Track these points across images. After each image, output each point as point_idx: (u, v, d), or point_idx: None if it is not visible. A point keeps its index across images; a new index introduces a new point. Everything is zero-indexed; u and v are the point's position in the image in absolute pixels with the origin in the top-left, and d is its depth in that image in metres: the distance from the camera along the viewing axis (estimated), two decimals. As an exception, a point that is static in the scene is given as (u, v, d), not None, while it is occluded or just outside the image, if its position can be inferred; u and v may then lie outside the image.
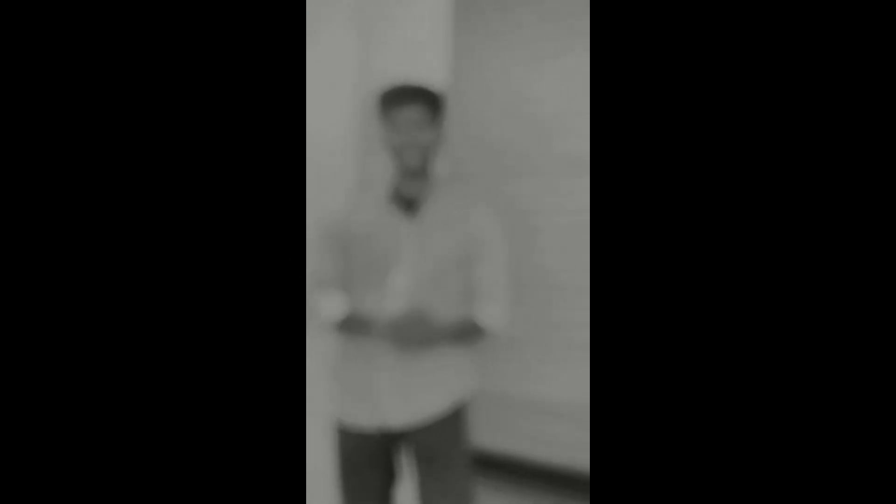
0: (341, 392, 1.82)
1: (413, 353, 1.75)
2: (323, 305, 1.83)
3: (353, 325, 1.78)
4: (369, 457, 1.78)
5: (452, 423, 1.79)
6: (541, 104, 2.41)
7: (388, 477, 1.81)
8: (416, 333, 1.67)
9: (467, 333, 1.78)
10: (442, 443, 1.77)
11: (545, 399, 2.60)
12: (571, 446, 2.60)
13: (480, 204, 1.85)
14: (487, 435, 2.89)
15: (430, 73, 2.46)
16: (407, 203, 1.80)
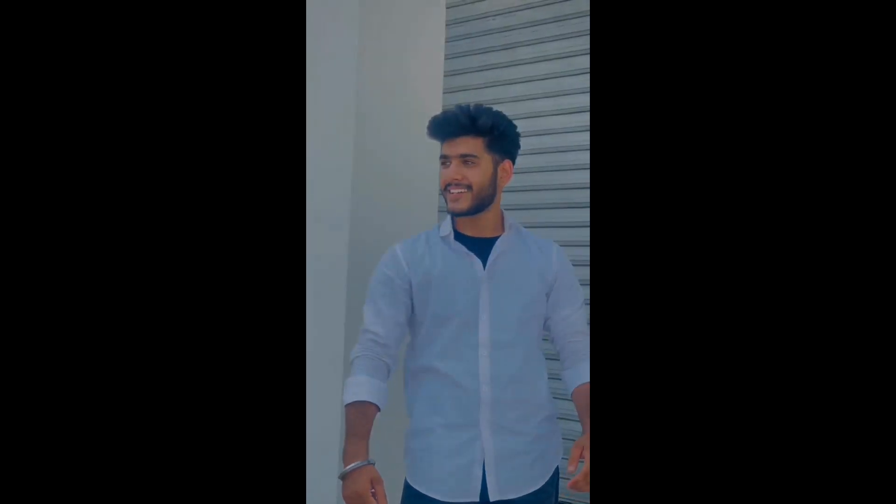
0: (427, 460, 1.59)
1: (516, 427, 1.58)
2: (347, 384, 1.59)
3: (353, 417, 1.54)
4: None
5: (547, 491, 1.62)
6: (540, 140, 2.42)
7: None
8: None
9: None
10: None
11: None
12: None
13: (552, 246, 1.69)
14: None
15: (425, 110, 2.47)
16: (472, 243, 1.62)
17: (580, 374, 1.65)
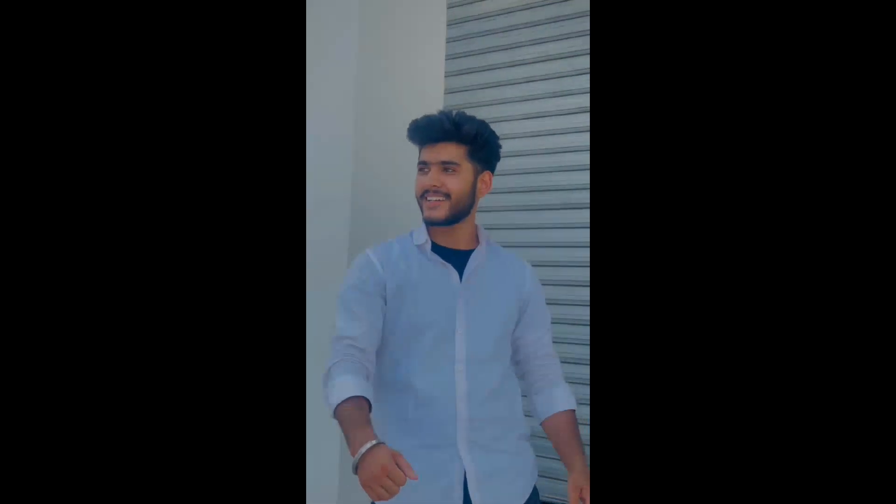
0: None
1: (493, 443, 1.53)
2: (331, 388, 1.41)
3: (348, 411, 1.35)
4: None
5: None
6: (541, 141, 2.42)
7: None
8: None
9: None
10: None
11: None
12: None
13: (526, 265, 1.67)
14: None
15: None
16: (446, 254, 1.56)
17: (554, 401, 1.62)
